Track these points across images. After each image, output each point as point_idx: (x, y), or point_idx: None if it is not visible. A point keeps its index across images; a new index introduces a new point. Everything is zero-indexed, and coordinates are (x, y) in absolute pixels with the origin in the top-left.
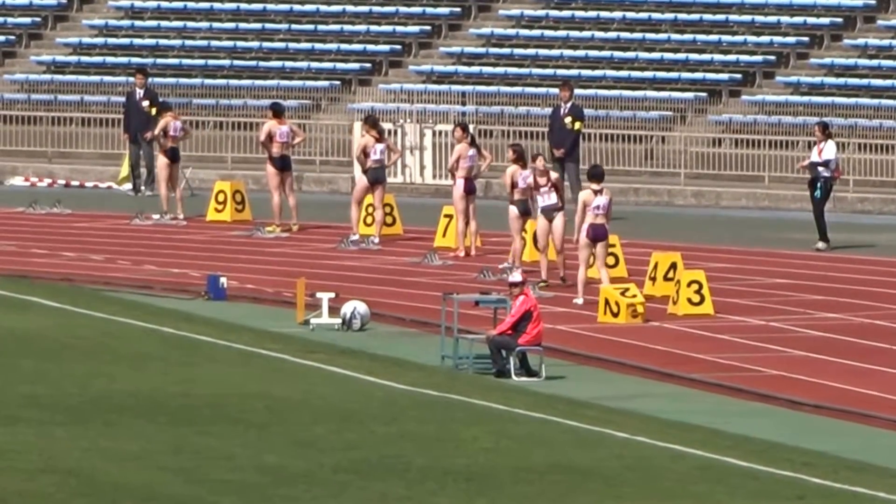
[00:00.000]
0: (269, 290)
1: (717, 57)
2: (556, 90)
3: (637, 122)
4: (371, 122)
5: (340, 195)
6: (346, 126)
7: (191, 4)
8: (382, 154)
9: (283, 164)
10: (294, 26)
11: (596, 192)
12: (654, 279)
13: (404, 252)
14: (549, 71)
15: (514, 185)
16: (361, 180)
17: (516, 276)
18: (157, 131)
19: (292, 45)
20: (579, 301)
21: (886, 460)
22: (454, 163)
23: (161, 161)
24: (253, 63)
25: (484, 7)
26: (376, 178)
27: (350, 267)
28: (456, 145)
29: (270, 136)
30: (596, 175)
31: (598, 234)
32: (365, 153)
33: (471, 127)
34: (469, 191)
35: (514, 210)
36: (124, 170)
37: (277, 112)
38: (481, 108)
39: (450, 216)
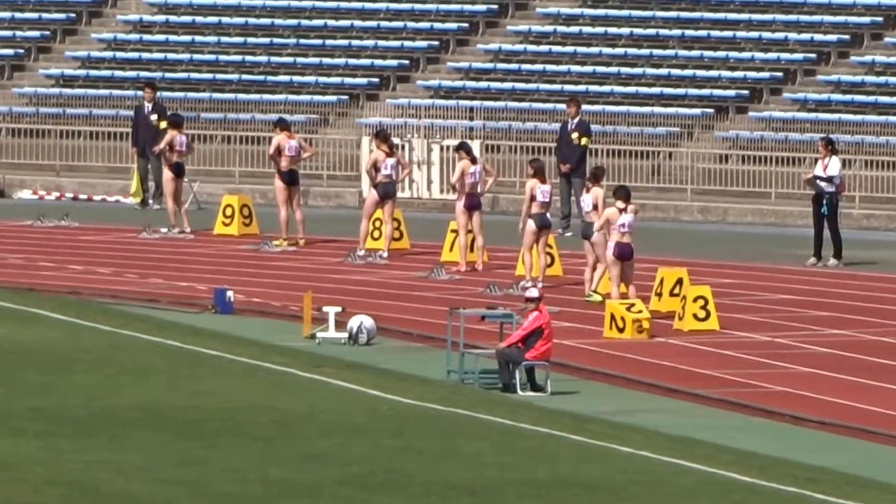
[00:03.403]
0: (275, 303)
1: (725, 73)
2: (563, 106)
3: (644, 138)
4: (382, 136)
5: (347, 209)
6: (354, 141)
7: (199, 19)
8: (393, 169)
9: (291, 179)
10: (302, 41)
11: (621, 211)
12: (660, 295)
13: (411, 266)
14: (557, 86)
15: (532, 199)
16: (371, 194)
17: (533, 292)
18: (162, 145)
19: (300, 59)
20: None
21: (890, 476)
22: (457, 179)
23: (166, 175)
24: (261, 77)
25: (492, 23)
26: (386, 192)
27: (357, 281)
28: (458, 162)
29: (279, 151)
30: (623, 194)
31: (623, 253)
32: (375, 168)
33: (477, 142)
34: (472, 206)
35: (531, 224)
36: (135, 183)
37: (284, 126)
38: (489, 124)
39: (456, 231)
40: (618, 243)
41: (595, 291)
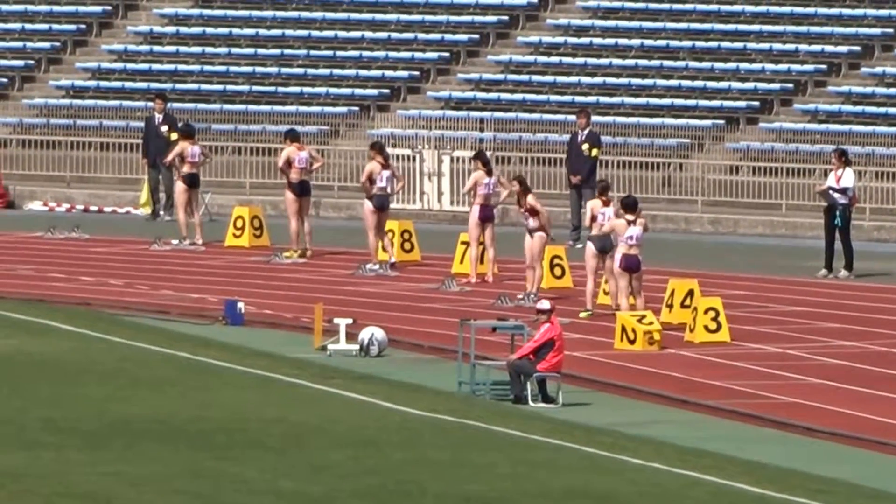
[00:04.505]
0: (286, 315)
1: (735, 84)
2: (573, 117)
3: (655, 150)
4: (377, 147)
5: (359, 221)
6: (365, 152)
7: (210, 30)
8: (388, 181)
9: (302, 190)
10: (313, 52)
11: (629, 223)
12: (671, 306)
13: (422, 278)
14: (567, 98)
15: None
16: (367, 206)
17: (545, 304)
18: (171, 157)
19: (311, 70)
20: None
21: None
22: (469, 189)
23: (178, 186)
24: (272, 89)
25: (502, 34)
26: (381, 204)
27: (367, 293)
28: (472, 173)
29: (289, 162)
30: (629, 205)
31: (630, 265)
32: (371, 179)
33: (487, 154)
34: (485, 218)
35: (532, 238)
36: (144, 194)
37: (294, 138)
38: (499, 135)
39: (467, 243)
40: (624, 255)
41: (587, 309)
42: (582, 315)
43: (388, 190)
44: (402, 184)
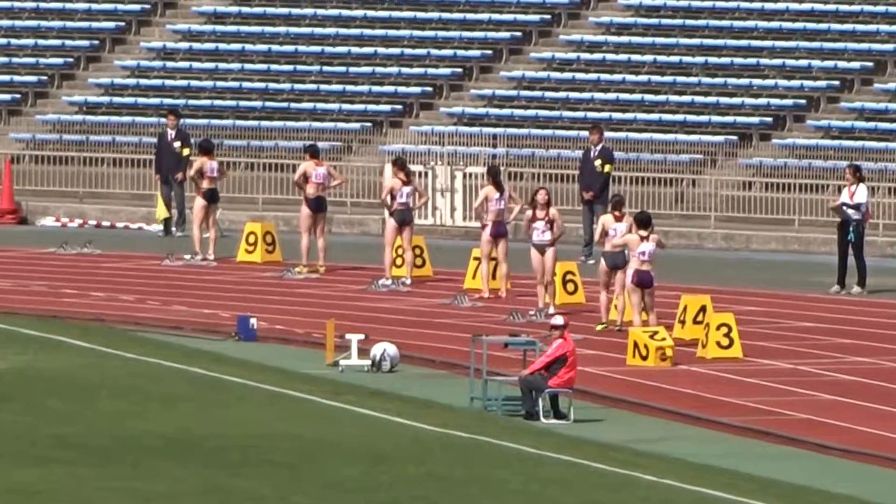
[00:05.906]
0: (298, 331)
1: (748, 100)
2: (586, 133)
3: (667, 165)
4: (400, 164)
5: (371, 237)
6: (378, 168)
7: (222, 46)
8: (409, 197)
9: (317, 206)
10: (326, 68)
11: (642, 239)
12: (683, 322)
13: (434, 294)
14: (580, 114)
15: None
16: (389, 222)
17: (558, 319)
18: (192, 172)
19: (324, 86)
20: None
21: None
22: (479, 205)
23: (198, 202)
24: (284, 104)
25: (515, 50)
26: (403, 219)
27: (380, 308)
28: (482, 189)
29: (306, 177)
30: (643, 221)
31: (643, 281)
32: (392, 195)
33: (500, 169)
34: (497, 235)
35: (543, 254)
36: (159, 208)
37: (313, 153)
38: (512, 151)
39: (479, 258)
40: (636, 271)
41: (602, 322)
42: (598, 328)
43: (410, 204)
44: (426, 199)
